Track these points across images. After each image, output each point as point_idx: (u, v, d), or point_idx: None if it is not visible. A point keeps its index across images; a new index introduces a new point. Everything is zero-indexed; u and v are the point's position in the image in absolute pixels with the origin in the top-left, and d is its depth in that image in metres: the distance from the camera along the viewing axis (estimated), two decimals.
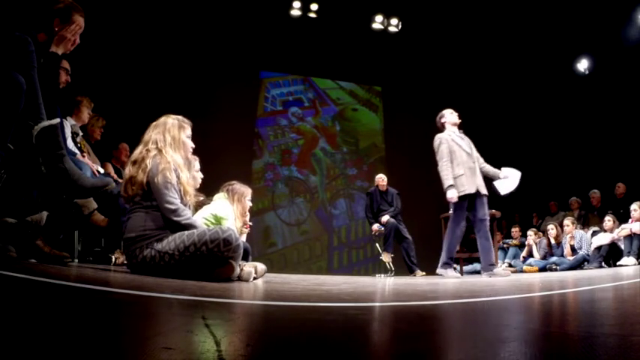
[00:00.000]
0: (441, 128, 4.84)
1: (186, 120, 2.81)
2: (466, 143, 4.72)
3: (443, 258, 4.60)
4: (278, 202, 8.52)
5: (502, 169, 4.76)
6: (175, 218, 2.49)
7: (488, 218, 4.57)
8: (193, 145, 2.83)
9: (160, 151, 2.61)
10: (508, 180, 4.70)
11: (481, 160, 4.79)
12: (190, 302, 1.42)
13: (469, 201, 4.55)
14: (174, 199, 2.51)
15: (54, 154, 2.23)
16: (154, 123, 2.75)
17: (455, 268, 4.82)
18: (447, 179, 4.52)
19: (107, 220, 3.00)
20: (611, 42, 7.54)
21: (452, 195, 4.47)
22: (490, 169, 4.80)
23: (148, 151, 2.61)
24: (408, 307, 1.59)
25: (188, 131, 2.79)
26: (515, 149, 8.33)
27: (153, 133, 2.69)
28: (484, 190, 4.59)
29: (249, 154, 8.52)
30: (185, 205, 2.66)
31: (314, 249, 8.51)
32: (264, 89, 8.94)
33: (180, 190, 2.61)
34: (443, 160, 4.58)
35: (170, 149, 2.65)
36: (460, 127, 4.85)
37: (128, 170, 2.61)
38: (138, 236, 2.47)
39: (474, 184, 4.51)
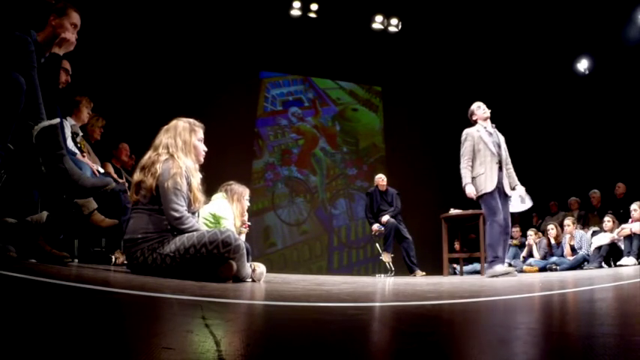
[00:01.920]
0: (473, 124, 4.76)
1: (197, 123, 2.75)
2: (494, 140, 4.60)
3: (488, 257, 4.41)
4: (278, 202, 8.52)
5: (518, 187, 4.61)
6: (179, 226, 2.46)
7: (509, 220, 4.47)
8: (206, 149, 2.76)
9: (171, 155, 2.56)
10: (518, 203, 4.59)
11: (509, 161, 4.65)
12: (190, 302, 1.42)
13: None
14: (180, 207, 2.47)
15: (54, 154, 2.22)
16: (165, 127, 2.70)
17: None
18: (464, 177, 4.52)
19: (107, 221, 2.99)
20: (611, 42, 7.54)
21: (470, 191, 4.46)
22: (511, 176, 4.64)
23: (158, 155, 2.56)
24: (408, 307, 1.59)
25: (200, 134, 2.73)
26: (516, 149, 8.31)
27: (164, 138, 2.64)
28: (508, 191, 4.50)
29: (249, 154, 8.52)
30: (194, 212, 2.62)
31: (314, 249, 8.51)
32: (264, 89, 8.94)
33: (189, 197, 2.55)
34: (464, 158, 4.55)
35: (181, 154, 2.60)
36: (492, 120, 4.75)
37: (136, 176, 2.58)
38: (139, 238, 2.46)
39: (492, 182, 4.41)
